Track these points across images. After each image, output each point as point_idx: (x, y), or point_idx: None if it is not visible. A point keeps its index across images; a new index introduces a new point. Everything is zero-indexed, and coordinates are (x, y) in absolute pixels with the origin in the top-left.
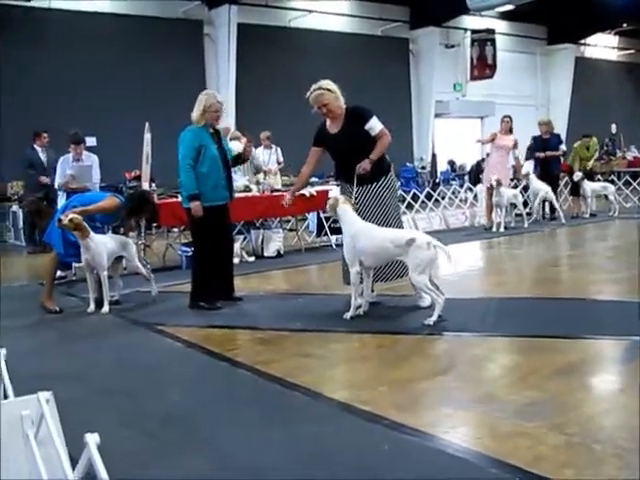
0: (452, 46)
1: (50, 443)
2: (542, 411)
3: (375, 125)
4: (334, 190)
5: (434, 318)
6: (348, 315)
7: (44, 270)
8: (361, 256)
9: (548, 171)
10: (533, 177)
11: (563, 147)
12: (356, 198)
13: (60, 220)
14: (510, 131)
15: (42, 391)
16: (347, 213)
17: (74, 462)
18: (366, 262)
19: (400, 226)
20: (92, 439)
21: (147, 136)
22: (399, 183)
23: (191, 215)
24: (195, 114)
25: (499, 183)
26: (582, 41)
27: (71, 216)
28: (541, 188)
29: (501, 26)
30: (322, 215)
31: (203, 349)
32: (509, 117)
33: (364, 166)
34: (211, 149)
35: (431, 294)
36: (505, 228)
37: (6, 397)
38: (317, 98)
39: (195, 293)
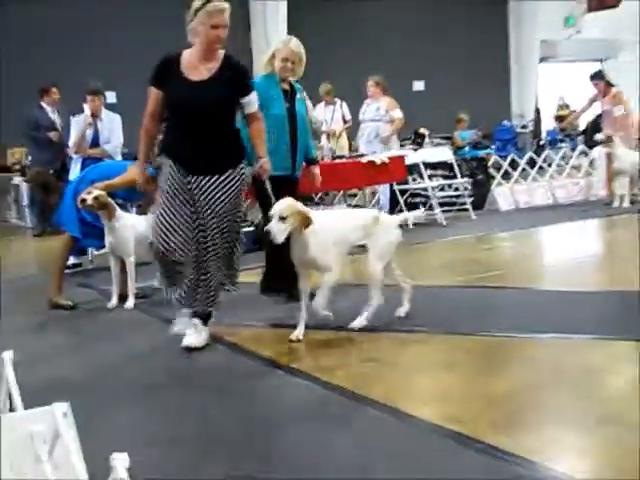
0: None
1: (67, 465)
2: None
3: (254, 100)
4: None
5: (407, 309)
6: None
7: (54, 255)
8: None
9: None
10: None
11: None
12: (190, 190)
13: (84, 200)
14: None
15: (57, 402)
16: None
17: None
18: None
19: (239, 237)
20: (121, 461)
21: None
22: (493, 146)
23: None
24: (264, 59)
25: (611, 141)
26: None
27: (96, 193)
28: None
29: None
30: (396, 187)
31: (250, 353)
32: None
33: (265, 166)
34: (277, 106)
35: (379, 292)
36: (631, 203)
37: (13, 410)
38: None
39: (265, 279)
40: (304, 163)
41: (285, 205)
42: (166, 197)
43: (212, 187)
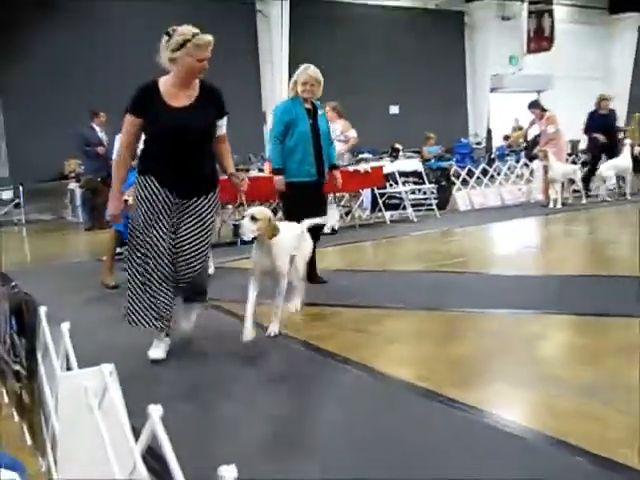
0: (508, 18)
1: (113, 414)
2: (602, 390)
3: (225, 122)
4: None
5: (298, 302)
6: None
7: (105, 247)
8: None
9: (611, 147)
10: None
11: (620, 124)
12: (172, 211)
13: (126, 201)
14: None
15: (105, 363)
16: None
17: (136, 433)
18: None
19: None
20: (155, 411)
21: None
22: (454, 159)
23: (277, 190)
24: (290, 85)
25: (545, 155)
26: None
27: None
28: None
29: None
30: (376, 191)
31: (258, 324)
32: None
33: (243, 184)
34: (302, 124)
35: (303, 285)
36: (563, 204)
37: (69, 369)
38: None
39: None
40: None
41: (259, 209)
42: (148, 213)
43: (197, 208)
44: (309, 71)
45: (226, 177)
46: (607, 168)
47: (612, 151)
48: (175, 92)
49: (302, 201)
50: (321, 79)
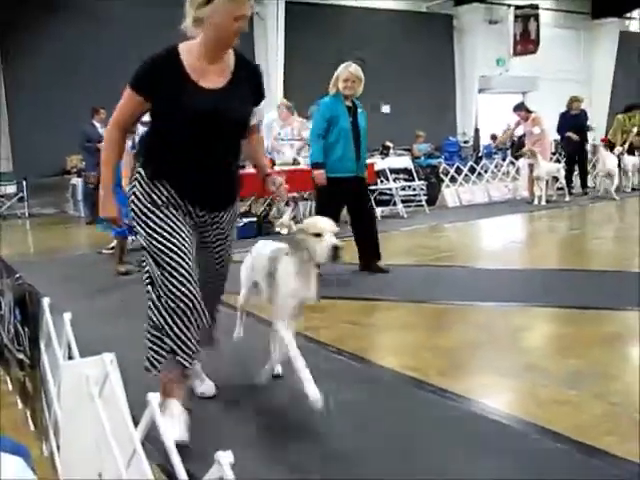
0: (495, 22)
1: (113, 402)
2: (584, 380)
3: (261, 109)
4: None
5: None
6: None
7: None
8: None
9: (581, 146)
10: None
11: (589, 123)
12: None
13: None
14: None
15: (106, 352)
16: None
17: (135, 421)
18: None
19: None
20: (154, 399)
21: None
22: (443, 157)
23: (316, 185)
24: (331, 82)
25: (533, 153)
26: (627, 15)
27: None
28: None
29: (545, 1)
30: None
31: (254, 315)
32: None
33: (282, 192)
34: (342, 121)
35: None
36: (547, 201)
37: (71, 358)
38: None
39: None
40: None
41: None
42: (166, 237)
43: (225, 221)
44: (350, 69)
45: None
46: (614, 165)
47: (582, 149)
48: (203, 66)
49: (341, 196)
50: (362, 77)
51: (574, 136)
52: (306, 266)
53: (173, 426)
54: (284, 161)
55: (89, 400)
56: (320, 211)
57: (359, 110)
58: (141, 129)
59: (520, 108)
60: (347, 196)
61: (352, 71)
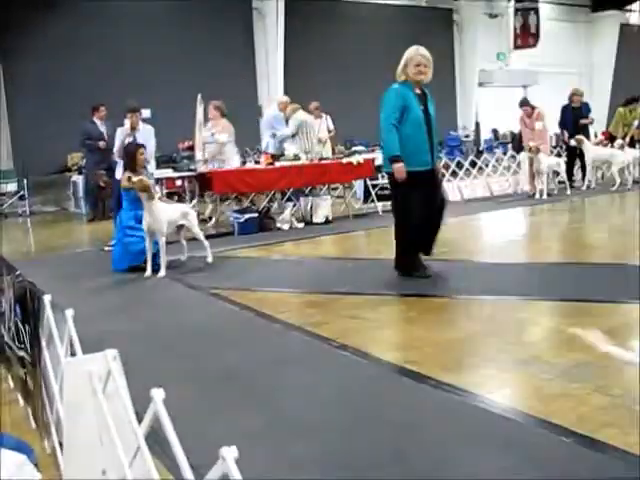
0: (495, 16)
1: (117, 398)
2: (586, 373)
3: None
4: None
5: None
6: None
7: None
8: None
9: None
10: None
11: (592, 115)
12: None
13: (129, 178)
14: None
15: (108, 349)
16: None
17: (139, 417)
18: None
19: None
20: (158, 394)
21: (199, 107)
22: (444, 151)
23: (393, 179)
24: (398, 69)
25: (537, 149)
26: (628, 7)
27: (142, 177)
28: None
29: None
30: (369, 182)
31: (256, 311)
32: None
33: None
34: (415, 110)
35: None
36: (548, 195)
37: (73, 355)
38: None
39: (400, 261)
40: None
41: None
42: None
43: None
44: (421, 51)
45: (219, 169)
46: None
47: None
48: None
49: (419, 191)
50: (432, 60)
51: (566, 135)
52: None
53: None
54: (285, 157)
55: (92, 396)
56: (400, 208)
57: (429, 98)
58: (142, 126)
59: (527, 103)
60: (423, 191)
61: (423, 53)
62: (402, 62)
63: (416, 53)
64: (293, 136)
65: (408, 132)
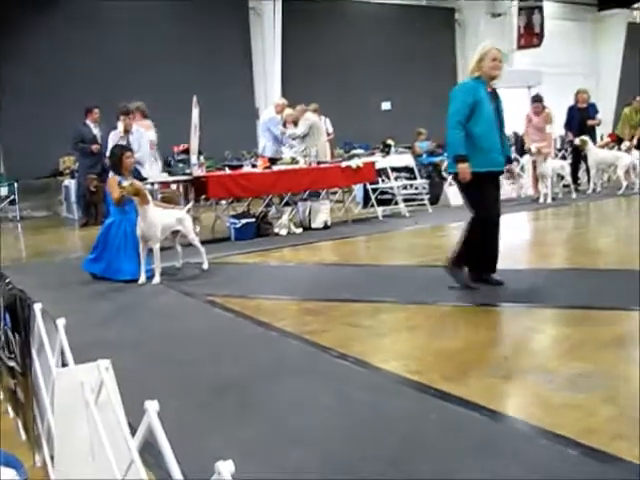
0: (498, 15)
1: (109, 409)
2: (592, 383)
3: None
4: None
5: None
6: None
7: None
8: None
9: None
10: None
11: (599, 116)
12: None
13: (120, 183)
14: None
15: (101, 359)
16: None
17: (132, 428)
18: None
19: None
20: (152, 406)
21: (195, 109)
22: (445, 154)
23: (459, 180)
24: (471, 64)
25: (538, 152)
26: (635, 5)
27: (133, 181)
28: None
29: None
30: (369, 187)
31: (253, 319)
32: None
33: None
34: (487, 108)
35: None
36: (553, 199)
37: (65, 365)
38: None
39: (456, 261)
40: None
41: None
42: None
43: None
44: (496, 46)
45: (214, 173)
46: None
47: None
48: None
49: (492, 194)
50: None
51: (570, 136)
52: None
53: None
54: (283, 161)
55: (84, 408)
56: (475, 211)
57: (499, 96)
58: (135, 129)
59: (538, 99)
60: (495, 193)
61: (498, 49)
62: (476, 56)
63: (492, 47)
64: (304, 137)
65: (480, 130)
